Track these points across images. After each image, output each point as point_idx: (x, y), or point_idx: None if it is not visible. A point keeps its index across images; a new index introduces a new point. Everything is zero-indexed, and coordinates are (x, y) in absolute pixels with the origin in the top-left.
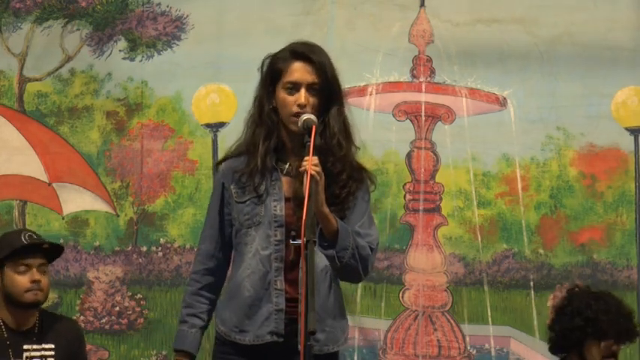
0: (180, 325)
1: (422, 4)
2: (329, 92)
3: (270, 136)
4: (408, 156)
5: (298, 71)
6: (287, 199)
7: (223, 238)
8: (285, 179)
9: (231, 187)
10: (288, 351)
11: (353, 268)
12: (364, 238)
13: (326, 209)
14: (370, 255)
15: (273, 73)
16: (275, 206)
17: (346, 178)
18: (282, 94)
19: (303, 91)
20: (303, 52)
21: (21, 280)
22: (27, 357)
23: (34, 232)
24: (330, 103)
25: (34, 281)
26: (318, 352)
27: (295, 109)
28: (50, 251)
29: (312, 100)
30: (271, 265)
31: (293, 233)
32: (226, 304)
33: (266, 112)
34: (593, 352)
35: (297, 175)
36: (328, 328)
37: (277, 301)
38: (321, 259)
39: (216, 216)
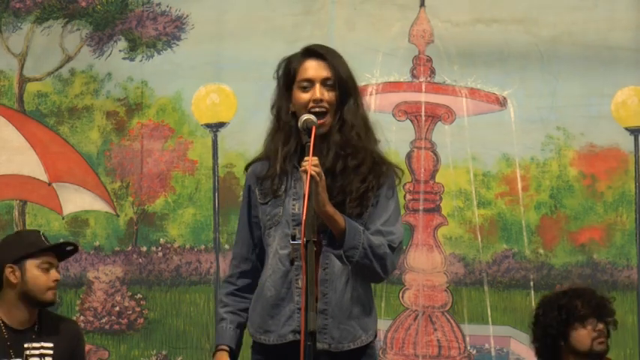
0: (218, 323)
1: (422, 4)
2: (344, 88)
3: (287, 141)
4: (408, 156)
5: (311, 68)
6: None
7: (254, 240)
8: (305, 177)
9: (256, 189)
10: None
11: (368, 267)
12: (386, 236)
13: (330, 209)
14: (388, 254)
15: (287, 75)
16: (294, 205)
17: (366, 172)
18: (297, 93)
19: (317, 86)
20: (315, 49)
21: (45, 278)
22: (27, 355)
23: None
24: (346, 98)
25: (55, 280)
26: (334, 349)
27: (311, 104)
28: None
29: (328, 94)
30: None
31: (294, 233)
32: (254, 306)
33: (283, 117)
34: (581, 337)
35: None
36: (343, 326)
37: (299, 300)
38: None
39: (245, 219)
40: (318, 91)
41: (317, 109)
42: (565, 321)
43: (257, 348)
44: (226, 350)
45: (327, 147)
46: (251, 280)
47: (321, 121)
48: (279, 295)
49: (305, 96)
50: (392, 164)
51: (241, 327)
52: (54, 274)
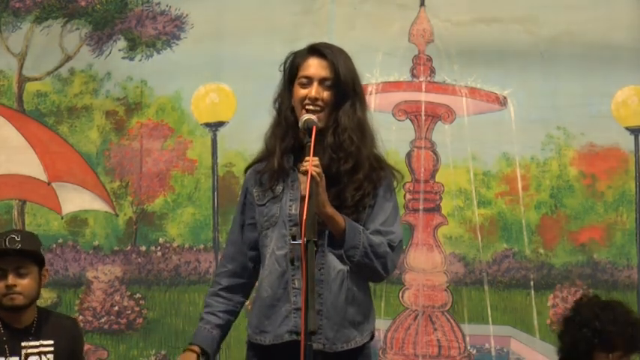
0: (198, 323)
1: (422, 4)
2: (342, 89)
3: (285, 137)
4: (408, 155)
5: (312, 66)
6: (304, 198)
7: (245, 242)
8: (303, 178)
9: (254, 190)
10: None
11: (369, 266)
12: (385, 236)
13: (329, 209)
14: (389, 252)
15: (291, 69)
16: (290, 205)
17: (362, 179)
18: (297, 88)
19: (315, 84)
20: (319, 48)
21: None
22: (25, 354)
23: (22, 234)
24: (342, 100)
25: (8, 286)
26: (328, 350)
27: (306, 102)
28: (31, 252)
29: (324, 94)
30: (287, 265)
31: (293, 233)
32: (253, 307)
33: (284, 112)
34: None
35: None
36: (337, 327)
37: (295, 300)
38: (335, 260)
39: (237, 220)
40: (314, 90)
41: (311, 107)
42: (592, 343)
43: (252, 348)
44: (195, 351)
45: (323, 149)
46: (236, 280)
47: (317, 115)
48: (276, 295)
49: (302, 92)
50: (390, 168)
51: (221, 328)
52: (7, 279)
